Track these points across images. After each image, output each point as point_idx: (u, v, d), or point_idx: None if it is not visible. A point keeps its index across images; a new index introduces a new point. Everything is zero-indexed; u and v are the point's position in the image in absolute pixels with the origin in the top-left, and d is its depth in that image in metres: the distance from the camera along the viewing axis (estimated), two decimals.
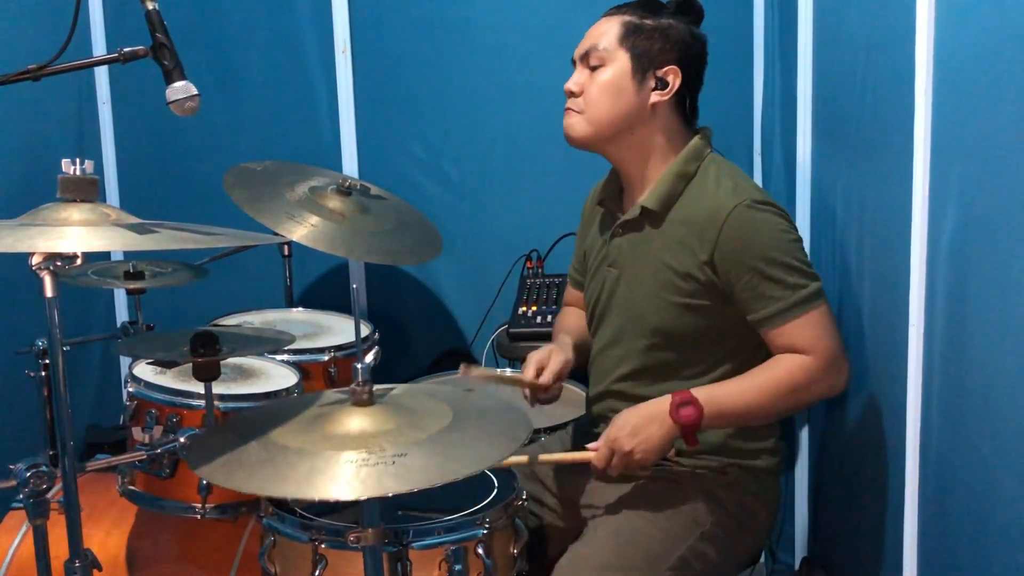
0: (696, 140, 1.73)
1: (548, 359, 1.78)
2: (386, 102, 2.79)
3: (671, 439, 1.61)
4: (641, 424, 1.60)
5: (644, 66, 1.69)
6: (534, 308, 2.47)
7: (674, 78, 1.69)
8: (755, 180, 2.61)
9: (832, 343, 1.61)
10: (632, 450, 1.59)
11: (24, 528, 1.92)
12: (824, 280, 2.04)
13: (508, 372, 2.31)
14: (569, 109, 1.74)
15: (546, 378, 1.76)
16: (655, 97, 1.70)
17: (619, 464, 1.61)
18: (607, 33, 1.71)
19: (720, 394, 1.62)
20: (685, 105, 1.74)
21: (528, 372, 1.77)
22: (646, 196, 1.71)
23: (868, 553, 1.82)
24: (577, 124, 1.73)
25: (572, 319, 2.00)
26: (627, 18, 1.71)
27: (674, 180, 1.69)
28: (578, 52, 1.75)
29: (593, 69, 1.71)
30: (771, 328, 1.61)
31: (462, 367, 1.81)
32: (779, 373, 1.61)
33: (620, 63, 1.69)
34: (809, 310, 1.60)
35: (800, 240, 1.67)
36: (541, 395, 1.79)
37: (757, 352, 1.66)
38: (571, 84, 1.73)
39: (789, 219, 1.67)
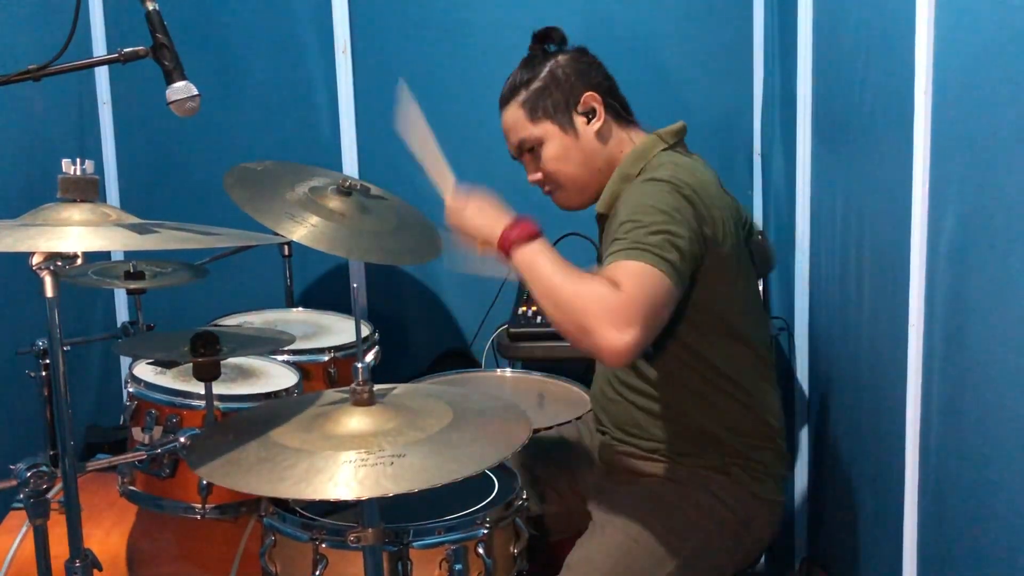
0: (644, 141, 1.75)
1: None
2: (386, 102, 2.77)
3: (490, 232, 1.56)
4: (487, 207, 1.61)
5: (567, 116, 1.74)
6: (534, 308, 2.47)
7: (596, 103, 1.74)
8: (755, 180, 2.62)
9: (637, 296, 1.42)
10: (465, 208, 1.62)
11: (24, 528, 1.92)
12: (824, 280, 2.02)
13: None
14: (549, 192, 1.80)
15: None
16: (595, 126, 1.74)
17: (453, 209, 1.64)
18: (517, 123, 1.77)
19: (546, 251, 1.50)
20: (619, 113, 1.77)
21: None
22: (599, 202, 1.76)
23: (868, 553, 1.82)
24: (566, 200, 1.80)
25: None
26: (520, 98, 1.76)
27: (618, 182, 1.72)
28: (512, 152, 1.81)
29: (532, 152, 1.77)
30: (603, 268, 1.50)
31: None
32: (585, 281, 1.45)
33: (548, 133, 1.75)
34: (638, 258, 1.46)
35: (684, 214, 1.54)
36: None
37: (720, 319, 1.66)
38: (532, 178, 1.80)
39: (692, 198, 1.56)
